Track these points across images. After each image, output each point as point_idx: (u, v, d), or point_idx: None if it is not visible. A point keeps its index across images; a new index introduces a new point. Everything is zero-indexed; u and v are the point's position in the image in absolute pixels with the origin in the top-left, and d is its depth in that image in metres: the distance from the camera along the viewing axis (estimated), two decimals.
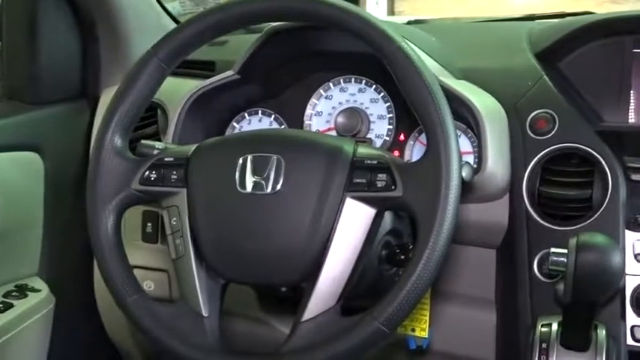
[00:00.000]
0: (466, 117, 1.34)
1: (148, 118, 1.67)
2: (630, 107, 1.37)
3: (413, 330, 1.55)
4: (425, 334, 1.54)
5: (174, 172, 1.19)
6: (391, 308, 1.06)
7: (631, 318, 1.28)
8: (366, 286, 1.19)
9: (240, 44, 1.55)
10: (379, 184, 1.11)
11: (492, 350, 1.48)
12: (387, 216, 1.20)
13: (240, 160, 1.16)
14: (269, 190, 1.14)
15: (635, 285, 1.28)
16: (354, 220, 1.12)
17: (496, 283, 1.49)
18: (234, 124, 1.57)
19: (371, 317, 1.07)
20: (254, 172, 1.15)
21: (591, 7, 1.71)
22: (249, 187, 1.15)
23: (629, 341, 1.28)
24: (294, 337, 1.11)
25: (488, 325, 1.48)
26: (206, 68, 1.67)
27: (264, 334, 1.65)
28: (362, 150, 1.16)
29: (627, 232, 1.30)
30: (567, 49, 1.40)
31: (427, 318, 1.54)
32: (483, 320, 1.49)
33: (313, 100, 1.53)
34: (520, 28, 1.57)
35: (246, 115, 1.56)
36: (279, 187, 1.14)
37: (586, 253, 1.09)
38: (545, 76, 1.39)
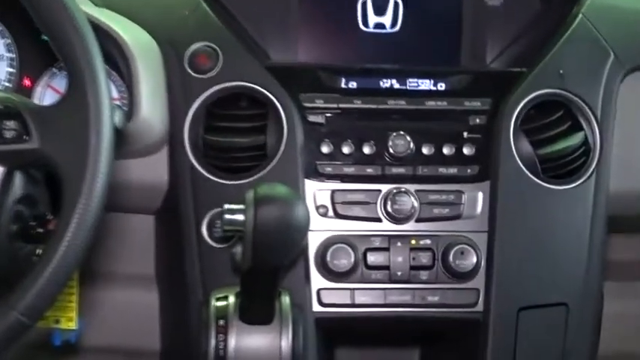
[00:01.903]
0: (111, 54, 1.19)
1: None
2: (298, 43, 1.31)
3: (57, 321, 1.40)
4: (73, 326, 1.40)
5: None
6: (31, 294, 0.92)
7: (317, 281, 1.21)
8: None
9: None
10: (7, 135, 0.97)
11: (158, 337, 1.39)
12: (17, 179, 1.03)
13: None
14: None
15: (319, 243, 1.21)
16: None
17: (156, 256, 1.38)
18: None
19: (7, 307, 0.92)
20: None
21: None
22: None
23: (316, 307, 1.21)
24: None
25: (152, 309, 1.39)
26: None
27: None
28: None
29: (307, 182, 1.22)
30: None
31: (75, 305, 1.40)
32: (147, 303, 1.39)
33: None
34: None
35: None
36: None
37: (267, 207, 0.99)
38: (203, 3, 1.27)
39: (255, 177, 1.21)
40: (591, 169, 1.26)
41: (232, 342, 1.09)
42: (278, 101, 1.24)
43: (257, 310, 1.10)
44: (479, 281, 1.21)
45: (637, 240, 1.44)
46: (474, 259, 1.20)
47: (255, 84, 1.24)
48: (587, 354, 1.29)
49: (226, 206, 1.02)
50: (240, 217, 1.00)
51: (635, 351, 1.40)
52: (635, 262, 1.44)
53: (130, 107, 1.20)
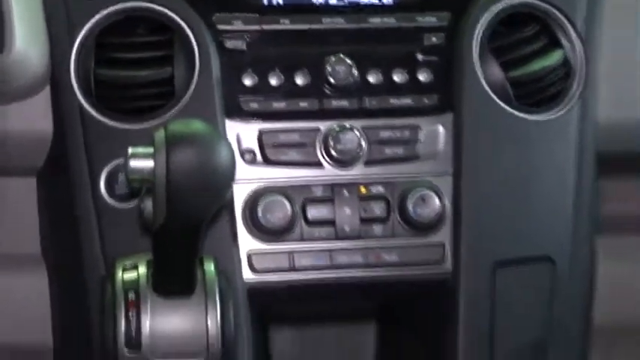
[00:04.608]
0: None
1: None
2: None
3: None
4: None
5: None
6: None
7: (246, 242, 1.14)
8: None
9: None
10: None
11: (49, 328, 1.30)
12: None
13: None
14: None
15: (247, 195, 1.14)
16: None
17: (42, 228, 1.29)
18: None
19: None
20: None
21: None
22: None
23: (247, 274, 1.14)
24: None
25: (42, 295, 1.30)
26: None
27: None
28: None
29: (228, 122, 1.15)
30: None
31: None
32: (35, 289, 1.31)
33: None
34: None
35: None
36: None
37: (181, 147, 0.90)
38: None
39: (162, 119, 1.14)
40: (574, 95, 1.22)
41: (147, 320, 1.01)
42: (186, 24, 1.17)
43: (174, 279, 1.01)
44: (444, 234, 1.16)
45: (632, 185, 1.40)
46: (438, 207, 1.14)
47: (156, 4, 1.17)
48: (579, 322, 1.24)
49: (131, 150, 0.93)
50: (148, 162, 0.91)
51: (636, 323, 1.37)
52: (632, 212, 1.41)
53: (1, 39, 1.11)
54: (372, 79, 1.16)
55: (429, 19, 1.19)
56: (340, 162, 1.14)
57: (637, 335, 1.38)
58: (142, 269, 1.05)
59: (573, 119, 1.21)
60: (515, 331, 1.20)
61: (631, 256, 1.38)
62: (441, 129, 1.16)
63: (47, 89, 1.19)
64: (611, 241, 1.33)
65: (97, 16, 1.17)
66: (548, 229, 1.20)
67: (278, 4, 1.19)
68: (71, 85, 1.16)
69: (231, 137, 1.15)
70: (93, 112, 1.14)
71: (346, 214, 1.14)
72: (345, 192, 1.14)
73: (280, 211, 1.13)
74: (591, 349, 1.30)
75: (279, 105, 1.16)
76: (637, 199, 1.40)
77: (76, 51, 1.16)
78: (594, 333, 1.30)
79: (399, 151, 1.15)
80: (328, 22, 1.18)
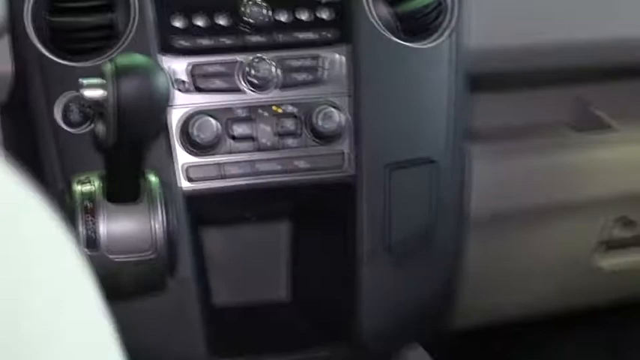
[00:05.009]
0: None
1: None
2: None
3: None
4: None
5: None
6: None
7: (182, 156, 1.24)
8: None
9: None
10: None
11: None
12: None
13: None
14: None
15: (181, 117, 1.23)
16: None
17: (7, 157, 1.31)
18: None
19: None
20: None
21: None
22: None
23: (184, 184, 1.24)
24: None
25: None
26: None
27: None
28: None
29: (163, 58, 1.23)
30: None
31: None
32: None
33: None
34: None
35: None
36: None
37: (128, 77, 1.00)
38: None
39: (106, 56, 1.19)
40: (448, 27, 1.32)
41: (102, 224, 1.10)
42: None
43: (124, 188, 1.12)
44: (346, 143, 1.27)
45: (503, 99, 1.53)
46: (339, 121, 1.25)
47: None
48: (457, 212, 1.37)
49: (84, 82, 1.02)
50: (100, 91, 1.01)
51: (507, 209, 1.49)
52: (502, 123, 1.53)
53: None
54: (281, 18, 1.25)
55: None
56: (258, 87, 1.24)
57: (508, 221, 1.49)
58: (96, 182, 1.13)
59: (448, 46, 1.31)
60: (407, 221, 1.32)
61: (501, 157, 1.48)
62: (340, 58, 1.27)
63: (5, 36, 1.21)
64: (483, 146, 1.44)
65: None
66: (428, 136, 1.32)
67: None
68: (28, 32, 1.20)
69: (166, 70, 1.21)
70: (47, 54, 1.20)
71: (265, 130, 1.25)
72: (263, 112, 1.25)
73: (209, 129, 1.22)
74: (469, 234, 1.41)
75: (205, 42, 1.24)
76: (504, 111, 1.53)
77: (31, 2, 1.19)
78: (472, 221, 1.41)
79: (306, 76, 1.26)
80: None
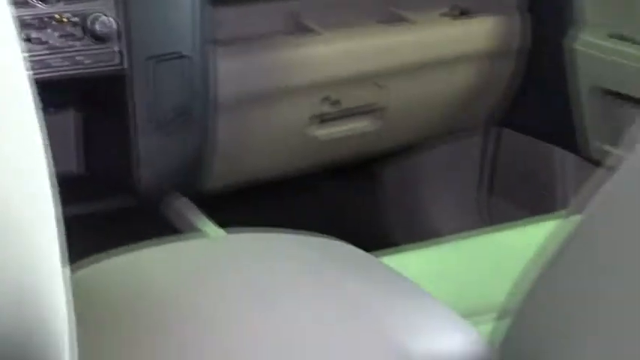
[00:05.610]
0: None
1: None
2: None
3: None
4: None
5: None
6: None
7: None
8: None
9: None
10: None
11: None
12: None
13: None
14: None
15: None
16: None
17: None
18: None
19: None
20: None
21: None
22: None
23: None
24: None
25: None
26: None
27: None
28: None
29: None
30: None
31: None
32: None
33: None
34: None
35: None
36: None
37: None
38: None
39: None
40: None
41: None
42: None
43: None
44: (120, 43, 1.58)
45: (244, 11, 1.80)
46: (110, 25, 1.55)
47: None
48: (207, 96, 1.68)
49: None
50: None
51: (247, 93, 1.76)
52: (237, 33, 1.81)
53: None
54: None
55: None
56: (44, 1, 1.52)
57: (248, 102, 1.77)
58: None
59: None
60: (169, 103, 1.64)
61: (240, 54, 1.75)
62: None
63: None
64: (226, 48, 1.71)
65: None
66: (182, 35, 1.62)
67: None
68: None
69: None
70: None
71: (55, 35, 1.52)
72: (51, 21, 1.52)
73: None
74: (219, 113, 1.72)
75: None
76: (235, 22, 1.80)
77: None
78: (221, 103, 1.71)
79: None
80: None
